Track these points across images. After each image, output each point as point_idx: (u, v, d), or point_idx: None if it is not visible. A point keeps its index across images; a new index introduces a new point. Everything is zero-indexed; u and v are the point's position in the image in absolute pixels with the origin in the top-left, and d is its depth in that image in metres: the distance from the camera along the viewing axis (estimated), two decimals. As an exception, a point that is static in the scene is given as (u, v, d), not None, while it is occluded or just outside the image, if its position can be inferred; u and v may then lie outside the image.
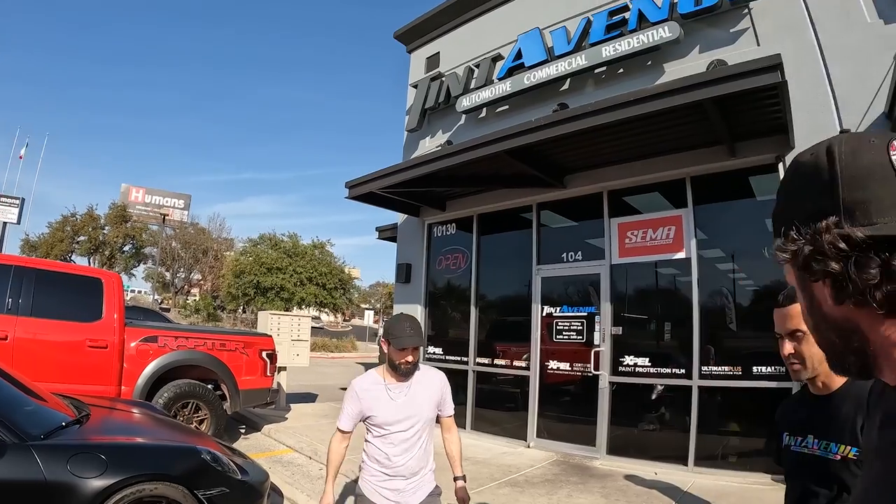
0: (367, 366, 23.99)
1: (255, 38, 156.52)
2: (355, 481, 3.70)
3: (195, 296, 54.78)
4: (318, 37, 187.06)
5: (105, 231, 45.43)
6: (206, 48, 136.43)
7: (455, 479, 3.68)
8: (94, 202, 72.53)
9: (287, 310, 34.28)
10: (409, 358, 3.36)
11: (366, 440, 3.49)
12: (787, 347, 2.11)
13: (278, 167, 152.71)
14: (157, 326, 8.81)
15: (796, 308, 1.95)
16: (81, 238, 44.58)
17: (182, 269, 55.18)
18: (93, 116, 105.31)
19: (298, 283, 33.88)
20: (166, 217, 40.18)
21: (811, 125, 7.04)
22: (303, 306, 33.84)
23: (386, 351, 3.41)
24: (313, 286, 34.48)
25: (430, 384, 3.56)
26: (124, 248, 47.49)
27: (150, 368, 7.80)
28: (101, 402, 5.89)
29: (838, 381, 2.08)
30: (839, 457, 1.98)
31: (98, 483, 3.78)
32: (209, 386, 8.42)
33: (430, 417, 3.53)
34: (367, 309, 59.60)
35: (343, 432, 3.47)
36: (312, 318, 14.13)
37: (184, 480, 4.18)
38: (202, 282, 56.86)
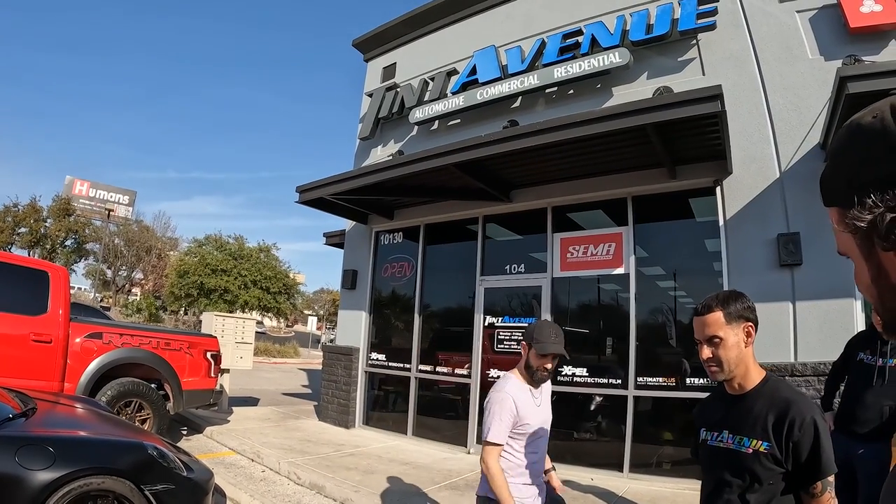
0: (310, 372, 23.76)
1: (206, 36, 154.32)
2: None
3: (136, 295, 53.81)
4: (270, 37, 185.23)
5: (47, 224, 44.39)
6: (155, 41, 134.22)
7: (546, 471, 3.77)
8: (37, 193, 70.90)
9: (230, 312, 34.08)
10: (549, 365, 3.42)
11: (504, 450, 3.37)
12: (706, 352, 2.33)
13: (226, 167, 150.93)
14: (103, 323, 8.72)
15: (713, 316, 2.30)
16: (22, 230, 43.49)
17: (124, 267, 54.17)
18: (37, 102, 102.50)
19: (243, 286, 33.58)
20: (111, 213, 39.49)
21: (749, 153, 7.51)
22: (246, 310, 33.48)
23: (525, 355, 3.49)
24: (257, 290, 34.22)
25: (547, 388, 3.71)
26: (66, 243, 46.45)
27: (93, 365, 7.72)
28: (46, 396, 5.84)
29: (752, 381, 2.34)
30: (751, 450, 2.22)
31: (46, 475, 3.79)
32: (152, 385, 8.38)
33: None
34: (310, 315, 59.20)
35: (500, 446, 3.32)
36: (256, 323, 14.12)
37: (131, 475, 4.20)
38: (144, 281, 55.91)
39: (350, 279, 11.82)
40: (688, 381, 7.40)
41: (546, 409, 3.65)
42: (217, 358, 9.29)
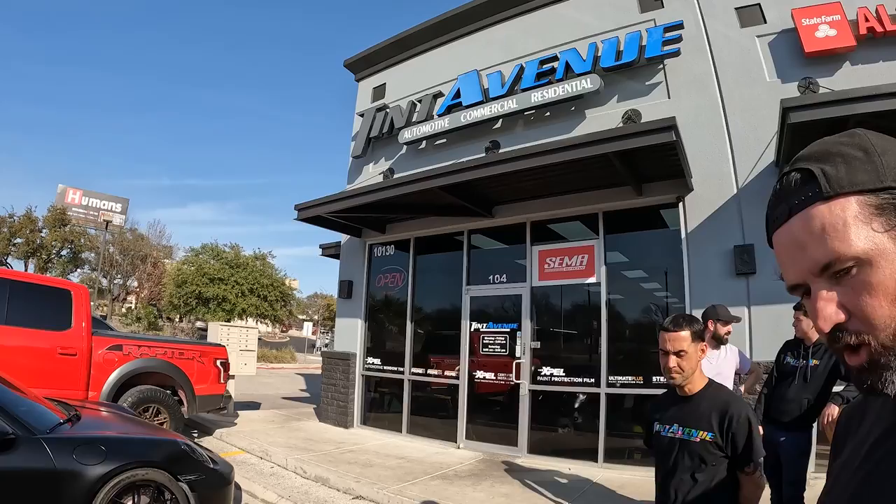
0: (307, 377, 24.27)
1: (196, 46, 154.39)
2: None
3: (131, 303, 53.92)
4: (262, 48, 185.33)
5: (43, 234, 44.43)
6: (146, 52, 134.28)
7: None
8: (28, 202, 70.64)
9: (228, 320, 34.49)
10: (730, 329, 5.54)
11: None
12: (673, 361, 2.89)
13: (219, 174, 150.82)
14: (122, 335, 9.41)
15: (683, 334, 2.88)
16: (18, 240, 43.52)
17: (119, 276, 54.22)
18: (29, 110, 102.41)
19: (240, 295, 34.00)
20: (109, 223, 39.75)
21: (709, 171, 8.26)
22: (244, 317, 33.98)
23: (711, 329, 5.26)
24: (254, 298, 34.63)
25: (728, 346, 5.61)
26: (62, 253, 46.47)
27: (115, 375, 8.34)
28: (83, 403, 6.53)
29: (698, 386, 2.97)
30: (698, 439, 2.83)
31: (99, 469, 4.41)
32: (167, 391, 9.03)
33: None
34: (305, 320, 59.51)
35: None
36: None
37: (168, 467, 4.87)
38: (139, 289, 55.95)
39: (346, 289, 12.53)
40: (653, 379, 8.15)
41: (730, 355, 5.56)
42: (226, 365, 9.95)
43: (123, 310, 47.89)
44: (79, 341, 8.01)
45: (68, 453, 4.36)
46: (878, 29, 7.47)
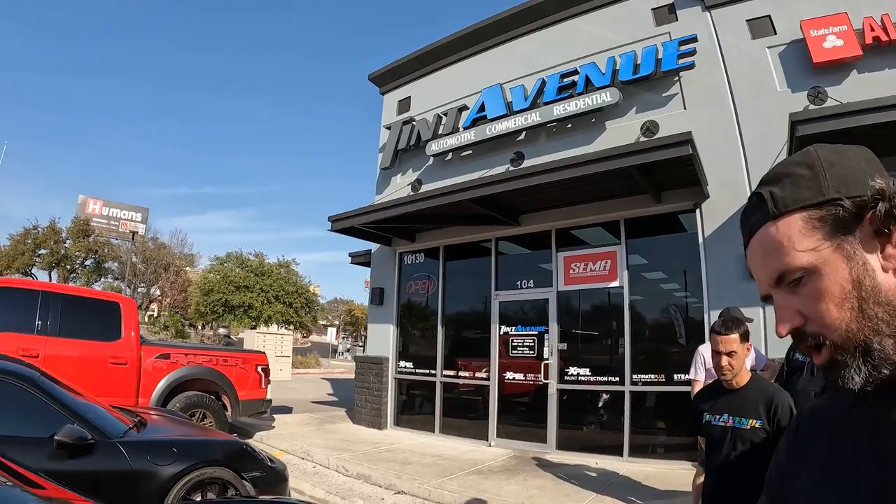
0: (333, 381, 24.59)
1: (210, 55, 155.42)
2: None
3: (153, 311, 54.24)
4: (273, 56, 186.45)
5: (66, 245, 44.66)
6: (164, 63, 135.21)
7: None
8: (49, 213, 71.27)
9: (253, 327, 34.92)
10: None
11: None
12: (725, 361, 3.28)
13: (236, 182, 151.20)
14: (170, 345, 9.89)
15: (734, 337, 3.28)
16: (43, 251, 43.79)
17: (143, 285, 54.57)
18: (49, 124, 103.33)
19: (266, 302, 34.33)
20: (135, 234, 40.25)
21: (724, 179, 8.63)
22: (270, 324, 34.30)
23: None
24: (280, 304, 34.95)
25: None
26: (86, 263, 46.67)
27: (164, 382, 8.84)
28: (142, 410, 6.98)
29: (744, 380, 3.34)
30: (749, 426, 3.17)
31: (172, 469, 4.76)
32: (212, 396, 9.51)
33: None
34: (328, 326, 59.75)
35: None
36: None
37: (232, 465, 5.27)
38: (161, 297, 56.18)
39: (378, 296, 13.02)
40: (674, 377, 8.55)
41: None
42: (267, 371, 10.41)
43: (146, 318, 48.32)
44: (128, 351, 8.50)
45: (143, 455, 4.71)
46: (884, 38, 7.78)
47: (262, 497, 5.22)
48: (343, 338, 65.11)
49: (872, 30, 7.85)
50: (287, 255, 53.05)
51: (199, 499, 5.03)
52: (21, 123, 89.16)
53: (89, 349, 8.17)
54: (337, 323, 68.95)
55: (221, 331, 39.56)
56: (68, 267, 44.82)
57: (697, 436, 3.66)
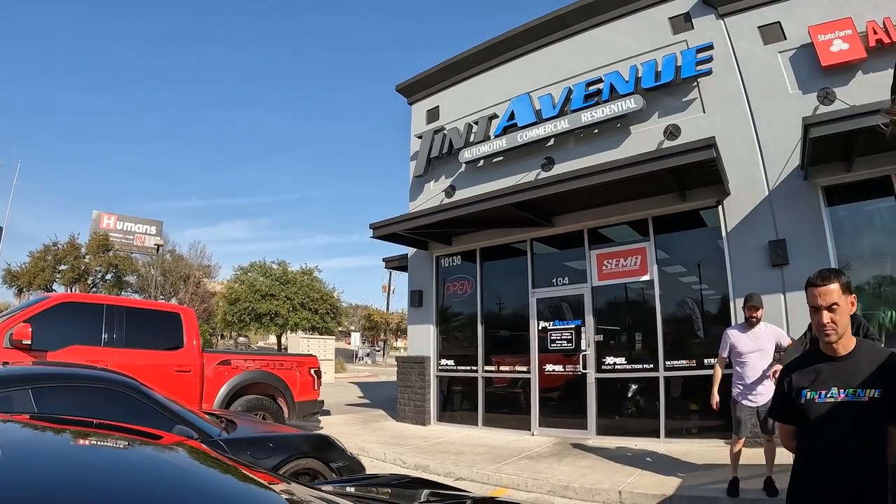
0: (361, 385, 24.67)
1: (213, 64, 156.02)
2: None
3: (173, 322, 54.09)
4: (279, 59, 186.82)
5: (86, 260, 44.39)
6: (170, 73, 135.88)
7: None
8: (64, 229, 71.28)
9: (280, 335, 35.43)
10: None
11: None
12: (826, 317, 2.68)
13: (247, 192, 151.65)
14: (229, 351, 10.32)
15: (834, 287, 2.70)
16: (63, 267, 43.45)
17: (162, 297, 54.56)
18: (61, 142, 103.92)
19: (291, 309, 34.65)
20: (160, 247, 40.57)
21: (743, 177, 9.27)
22: (296, 331, 34.90)
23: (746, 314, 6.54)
24: (306, 311, 35.30)
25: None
26: (106, 277, 46.59)
27: (225, 387, 9.22)
28: (220, 412, 7.29)
29: (851, 344, 2.73)
30: (867, 398, 2.57)
31: (270, 462, 4.94)
32: (269, 399, 9.94)
33: None
34: (353, 331, 59.84)
35: None
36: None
37: (321, 456, 5.55)
38: (181, 309, 55.65)
39: (417, 298, 13.65)
40: (705, 361, 9.11)
41: (769, 332, 6.62)
42: (318, 373, 10.83)
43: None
44: (191, 358, 8.92)
45: (243, 451, 4.85)
46: (886, 40, 8.36)
47: (379, 474, 5.49)
48: (363, 342, 65.28)
49: (875, 32, 8.43)
50: (309, 263, 53.07)
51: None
52: (37, 142, 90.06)
53: (155, 358, 8.52)
54: (353, 328, 68.89)
55: (241, 339, 40.08)
56: (89, 281, 44.86)
57: (782, 421, 3.02)
